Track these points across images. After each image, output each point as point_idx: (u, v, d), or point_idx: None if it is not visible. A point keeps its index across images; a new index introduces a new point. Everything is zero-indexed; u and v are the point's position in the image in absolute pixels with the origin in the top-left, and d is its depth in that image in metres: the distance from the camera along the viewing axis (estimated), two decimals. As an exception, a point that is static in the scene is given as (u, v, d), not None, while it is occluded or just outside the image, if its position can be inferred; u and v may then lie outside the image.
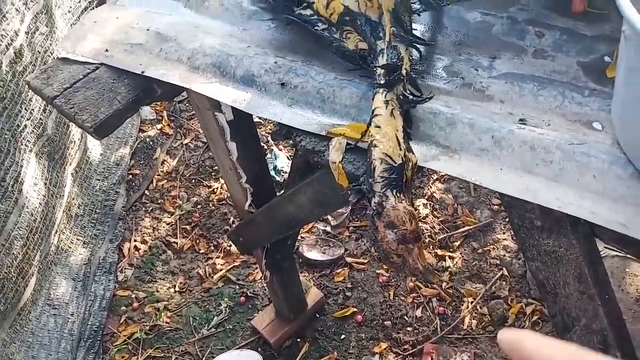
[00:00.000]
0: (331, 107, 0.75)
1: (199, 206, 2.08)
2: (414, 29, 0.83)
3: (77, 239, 1.87)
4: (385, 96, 0.66)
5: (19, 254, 1.49)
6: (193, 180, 2.15)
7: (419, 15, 0.84)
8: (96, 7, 1.97)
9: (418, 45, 0.76)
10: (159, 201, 2.10)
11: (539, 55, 0.78)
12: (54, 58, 1.62)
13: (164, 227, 2.03)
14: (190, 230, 2.02)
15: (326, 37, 0.79)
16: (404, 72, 0.69)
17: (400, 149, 0.64)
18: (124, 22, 0.92)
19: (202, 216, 2.04)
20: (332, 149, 0.69)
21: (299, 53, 0.83)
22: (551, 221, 0.65)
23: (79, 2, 1.91)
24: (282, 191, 1.79)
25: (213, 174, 2.16)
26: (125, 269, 1.92)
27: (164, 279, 1.89)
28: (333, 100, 0.75)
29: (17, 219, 1.49)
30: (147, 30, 0.90)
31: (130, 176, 2.15)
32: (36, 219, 1.57)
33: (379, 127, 0.65)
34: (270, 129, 2.13)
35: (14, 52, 1.48)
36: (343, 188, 0.68)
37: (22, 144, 1.51)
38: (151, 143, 2.26)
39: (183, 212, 2.06)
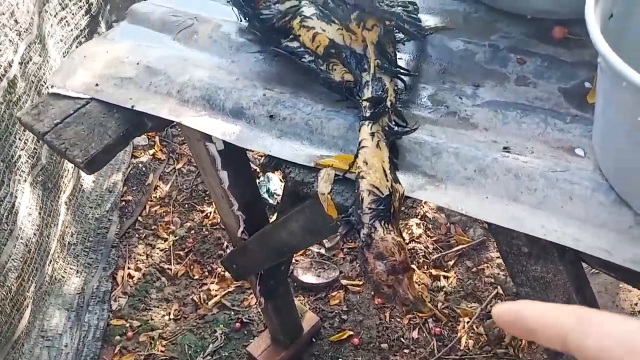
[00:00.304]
0: (319, 138, 0.76)
1: (193, 231, 2.07)
2: (399, 58, 0.85)
3: (70, 268, 1.86)
4: (371, 128, 0.68)
5: (13, 286, 1.48)
6: (186, 205, 2.15)
7: (403, 44, 0.86)
8: (87, 35, 1.99)
9: (403, 76, 0.77)
10: (152, 227, 2.10)
11: (521, 82, 0.80)
12: (47, 88, 1.63)
13: (157, 253, 2.03)
14: (184, 256, 2.01)
15: (313, 69, 0.81)
16: (388, 103, 0.71)
17: (387, 180, 0.64)
18: (114, 56, 0.93)
19: (195, 241, 2.04)
20: (320, 180, 0.70)
21: (287, 85, 0.85)
22: (538, 248, 0.66)
23: (71, 30, 1.94)
24: (275, 215, 1.79)
25: (206, 198, 2.16)
26: (119, 297, 1.90)
27: (158, 307, 1.88)
28: (321, 132, 0.76)
29: (12, 250, 1.48)
30: (137, 64, 0.91)
31: (123, 203, 2.15)
32: (31, 249, 1.57)
33: (365, 159, 0.66)
34: (261, 154, 2.14)
35: (8, 83, 1.49)
36: (332, 219, 0.69)
37: (16, 175, 1.51)
38: (144, 169, 2.26)
39: (177, 237, 2.06)
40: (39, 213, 1.61)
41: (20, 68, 1.54)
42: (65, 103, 0.88)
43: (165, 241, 2.06)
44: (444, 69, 0.84)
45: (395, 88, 0.74)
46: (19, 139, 1.53)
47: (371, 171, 0.65)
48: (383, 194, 0.64)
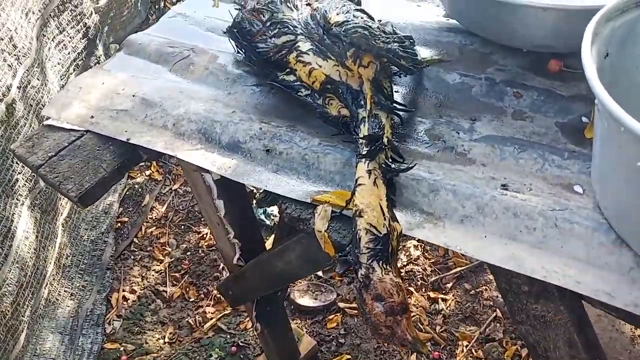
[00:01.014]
0: (316, 173, 0.75)
1: (189, 253, 2.06)
2: (395, 91, 0.85)
3: (65, 291, 1.84)
4: (368, 165, 0.67)
5: (7, 311, 1.47)
6: (182, 227, 2.14)
7: (400, 77, 0.86)
8: (85, 58, 2.00)
9: (399, 111, 0.77)
10: (148, 249, 2.08)
11: (518, 116, 0.80)
12: (43, 117, 1.62)
13: (153, 275, 2.01)
14: (180, 278, 1.99)
15: (309, 103, 0.81)
16: (385, 140, 0.70)
17: (385, 219, 0.64)
18: (110, 88, 0.93)
19: (191, 263, 2.02)
20: (317, 217, 0.69)
21: (284, 118, 0.84)
22: (538, 286, 0.65)
23: (68, 54, 1.93)
24: (272, 238, 1.78)
25: (202, 219, 2.14)
26: (113, 320, 1.88)
27: (153, 330, 1.86)
28: (317, 167, 0.76)
29: (7, 275, 1.46)
30: (133, 96, 0.91)
31: (119, 224, 2.13)
32: (27, 273, 1.55)
33: (363, 197, 0.65)
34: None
35: (6, 107, 1.48)
36: (330, 257, 0.68)
37: (13, 198, 1.50)
38: (140, 190, 2.25)
39: (172, 259, 2.04)
40: (36, 236, 1.60)
41: (19, 92, 1.54)
42: (60, 135, 0.88)
43: (160, 263, 2.04)
44: (441, 102, 0.84)
45: (392, 124, 0.74)
46: (17, 162, 1.52)
47: (368, 210, 0.64)
48: (381, 233, 0.63)
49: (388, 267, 0.62)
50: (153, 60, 0.98)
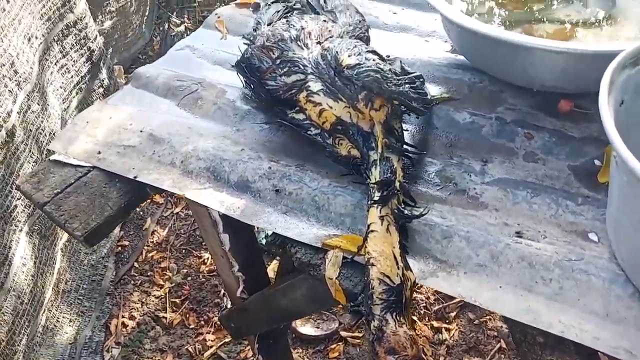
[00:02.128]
0: (326, 215, 0.74)
1: (189, 278, 2.04)
2: (405, 130, 0.84)
3: (63, 317, 1.81)
4: (380, 211, 0.66)
5: (2, 339, 1.44)
6: (183, 251, 2.12)
7: (409, 115, 0.86)
8: (88, 81, 2.00)
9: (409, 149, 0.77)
10: (149, 273, 2.06)
11: (530, 158, 0.79)
12: (45, 136, 1.61)
13: (153, 301, 1.98)
14: (180, 304, 1.97)
15: (319, 142, 0.80)
16: (397, 184, 0.69)
17: (398, 268, 0.63)
18: (117, 122, 0.92)
19: (192, 288, 2.00)
20: (328, 263, 0.68)
21: (293, 156, 0.83)
22: (554, 338, 0.64)
23: (71, 77, 1.93)
24: (274, 261, 1.77)
25: (204, 243, 2.13)
26: (112, 347, 1.85)
27: (152, 358, 1.83)
28: (328, 209, 0.75)
29: (3, 303, 1.44)
30: (141, 131, 0.90)
31: (120, 248, 2.11)
32: (23, 301, 1.52)
33: (375, 244, 0.64)
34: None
35: (6, 133, 1.47)
36: (341, 305, 0.67)
37: (11, 225, 1.48)
38: (141, 213, 2.23)
39: (173, 284, 2.02)
40: (34, 262, 1.58)
41: (19, 117, 1.53)
42: (66, 171, 0.87)
43: (161, 288, 2.02)
44: (451, 142, 0.83)
45: (403, 167, 0.73)
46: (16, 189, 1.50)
47: (382, 258, 0.63)
48: (394, 283, 0.62)
49: (402, 319, 0.60)
50: (161, 94, 0.98)
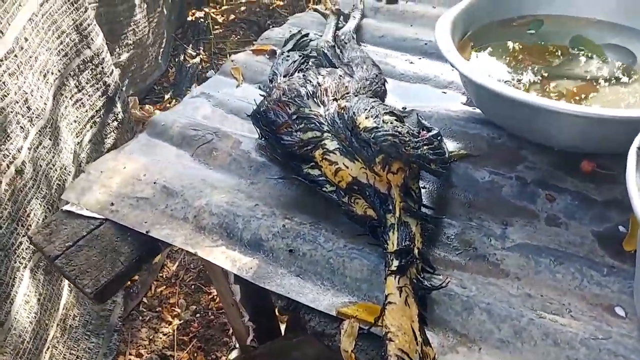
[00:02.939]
0: (341, 280, 0.72)
1: (198, 315, 2.01)
2: (423, 187, 0.82)
3: (70, 354, 1.79)
4: (399, 281, 0.64)
5: (1, 381, 1.42)
6: (193, 286, 2.10)
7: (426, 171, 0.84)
8: (103, 115, 2.01)
9: (427, 211, 0.75)
10: (157, 309, 2.03)
11: (552, 222, 0.77)
12: (55, 171, 1.61)
13: (160, 338, 1.95)
14: (188, 342, 1.94)
15: (334, 200, 0.78)
16: (416, 251, 0.67)
17: (417, 344, 0.60)
18: (131, 173, 0.92)
19: (200, 326, 1.97)
20: (344, 334, 0.65)
21: (308, 213, 0.82)
22: (580, 421, 0.60)
23: (86, 111, 1.95)
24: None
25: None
26: (118, 386, 1.82)
27: (158, 398, 1.79)
28: (343, 272, 0.73)
29: (3, 342, 1.42)
30: (154, 183, 0.89)
31: (129, 282, 2.10)
32: (24, 339, 1.50)
33: (393, 317, 0.62)
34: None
35: (15, 170, 1.47)
36: (355, 377, 0.64)
37: (15, 262, 1.47)
38: (151, 246, 2.22)
39: (181, 321, 1.99)
40: (38, 299, 1.56)
41: (29, 153, 1.53)
42: (78, 223, 0.86)
43: (169, 325, 1.99)
44: (470, 202, 0.81)
45: (422, 232, 0.71)
46: (22, 225, 1.49)
47: (400, 333, 0.60)
48: (412, 360, 0.59)
49: (420, 398, 0.58)
50: (176, 144, 0.98)
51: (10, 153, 1.44)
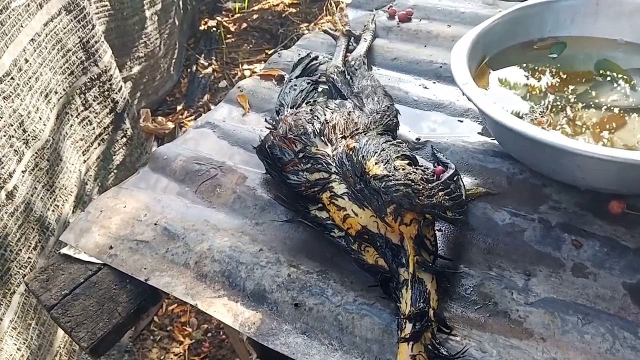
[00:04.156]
0: (350, 339, 0.67)
1: (209, 334, 1.97)
2: (438, 229, 0.77)
3: (80, 376, 1.77)
4: (412, 349, 0.59)
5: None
6: (204, 305, 2.06)
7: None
8: (111, 132, 1.98)
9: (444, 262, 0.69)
10: (168, 328, 2.00)
11: (579, 271, 0.71)
12: (53, 192, 1.57)
13: (171, 359, 1.92)
14: (200, 362, 1.90)
15: (343, 246, 0.73)
16: (431, 312, 0.62)
17: (432, 420, 0.55)
18: (131, 213, 0.88)
19: (212, 346, 1.93)
20: (352, 403, 0.60)
21: (315, 259, 0.77)
22: None
23: (93, 129, 1.93)
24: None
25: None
26: (129, 409, 1.79)
27: (169, 422, 1.76)
28: (352, 331, 0.67)
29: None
30: (155, 224, 0.85)
31: (140, 300, 2.07)
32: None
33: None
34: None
35: (5, 195, 1.42)
36: None
37: (2, 289, 1.42)
38: (162, 263, 2.19)
39: (192, 341, 1.96)
40: (29, 324, 1.51)
41: (23, 176, 1.48)
42: (76, 269, 0.82)
43: (180, 344, 1.96)
44: (489, 248, 0.75)
45: (437, 288, 0.66)
46: (11, 250, 1.44)
47: (412, 409, 0.55)
48: None
49: None
50: (178, 180, 0.93)
51: (1, 177, 1.39)
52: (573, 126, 0.82)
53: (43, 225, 1.51)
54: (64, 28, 1.67)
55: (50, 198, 1.57)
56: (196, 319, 2.03)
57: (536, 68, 0.94)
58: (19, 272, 1.48)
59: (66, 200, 1.65)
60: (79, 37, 1.75)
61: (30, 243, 1.52)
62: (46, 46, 1.58)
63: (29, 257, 1.53)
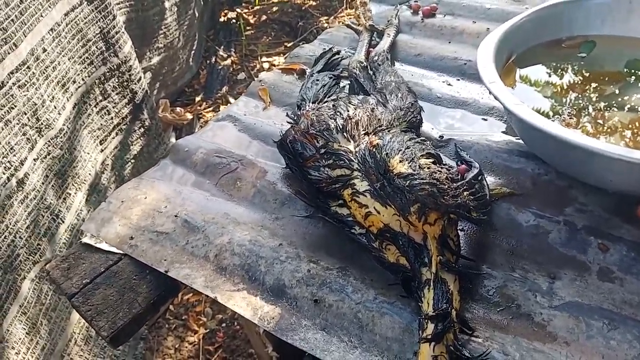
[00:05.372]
0: (370, 337, 0.67)
1: (224, 324, 1.99)
2: (460, 229, 0.76)
3: (96, 361, 1.79)
4: (434, 349, 0.58)
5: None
6: (219, 296, 2.07)
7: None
8: (129, 122, 1.99)
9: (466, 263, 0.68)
10: (183, 317, 2.02)
11: (605, 276, 0.69)
12: (65, 180, 1.58)
13: (186, 347, 1.94)
14: (214, 352, 1.92)
15: (364, 243, 0.73)
16: (453, 314, 0.61)
17: (452, 422, 0.54)
18: (152, 204, 0.88)
19: (226, 336, 1.94)
20: (371, 402, 0.60)
21: (334, 256, 0.77)
22: None
23: (111, 119, 1.93)
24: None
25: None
26: (143, 396, 1.82)
27: (182, 410, 1.78)
28: (372, 329, 0.67)
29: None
30: (175, 216, 0.85)
31: (155, 290, 2.09)
32: (20, 351, 1.47)
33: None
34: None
35: (16, 182, 1.42)
36: None
37: (12, 274, 1.43)
38: (178, 253, 2.21)
39: (207, 330, 1.97)
40: (40, 309, 1.53)
41: (34, 164, 1.48)
42: (96, 258, 0.83)
43: (195, 334, 1.97)
44: (513, 249, 0.74)
45: (459, 289, 0.65)
46: (20, 237, 1.45)
47: (433, 410, 0.55)
48: None
49: None
50: (199, 172, 0.94)
51: (12, 165, 1.39)
52: (601, 127, 0.81)
53: (53, 212, 1.52)
54: (85, 18, 1.68)
55: (62, 186, 1.58)
56: (211, 309, 2.05)
57: (564, 67, 0.92)
58: (28, 258, 1.49)
59: (79, 188, 1.66)
60: (100, 28, 1.76)
61: (40, 230, 1.53)
62: (66, 36, 1.59)
63: (38, 244, 1.54)
